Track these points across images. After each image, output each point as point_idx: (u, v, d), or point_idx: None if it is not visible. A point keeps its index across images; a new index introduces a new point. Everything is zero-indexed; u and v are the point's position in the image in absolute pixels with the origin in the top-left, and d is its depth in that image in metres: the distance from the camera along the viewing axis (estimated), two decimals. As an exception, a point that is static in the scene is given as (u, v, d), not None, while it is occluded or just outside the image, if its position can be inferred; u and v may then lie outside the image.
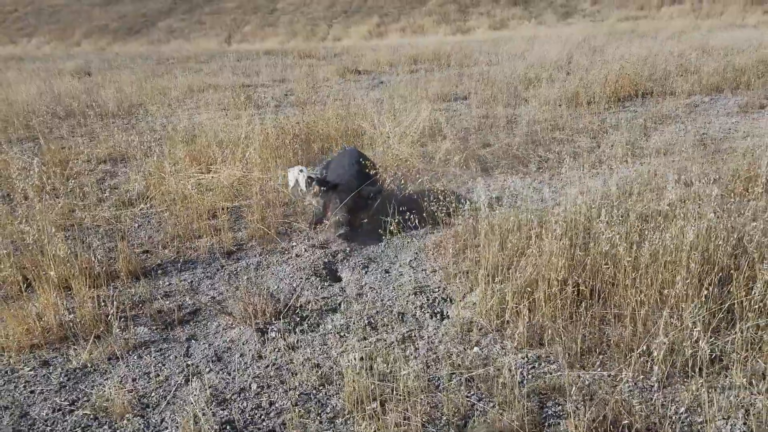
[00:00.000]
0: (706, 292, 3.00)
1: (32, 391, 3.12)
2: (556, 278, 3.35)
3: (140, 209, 5.79)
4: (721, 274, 3.26)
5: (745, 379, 2.71)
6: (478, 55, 16.56)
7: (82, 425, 2.85)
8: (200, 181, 6.34)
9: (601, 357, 3.10)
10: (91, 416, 2.90)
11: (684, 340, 2.89)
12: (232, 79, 14.17)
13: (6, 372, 3.29)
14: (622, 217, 3.71)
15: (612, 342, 3.14)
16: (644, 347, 2.88)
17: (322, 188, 5.03)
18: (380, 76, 14.35)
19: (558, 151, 6.92)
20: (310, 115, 8.11)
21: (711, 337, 3.00)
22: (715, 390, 2.77)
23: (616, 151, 6.56)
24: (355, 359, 2.95)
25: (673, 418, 2.65)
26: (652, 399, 2.77)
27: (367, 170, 5.20)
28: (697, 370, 2.85)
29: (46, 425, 2.87)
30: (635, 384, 2.88)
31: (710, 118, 8.30)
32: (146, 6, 44.64)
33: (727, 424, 2.59)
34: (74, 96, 11.85)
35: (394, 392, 2.85)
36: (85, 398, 3.04)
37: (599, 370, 2.99)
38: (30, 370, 3.29)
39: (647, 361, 2.94)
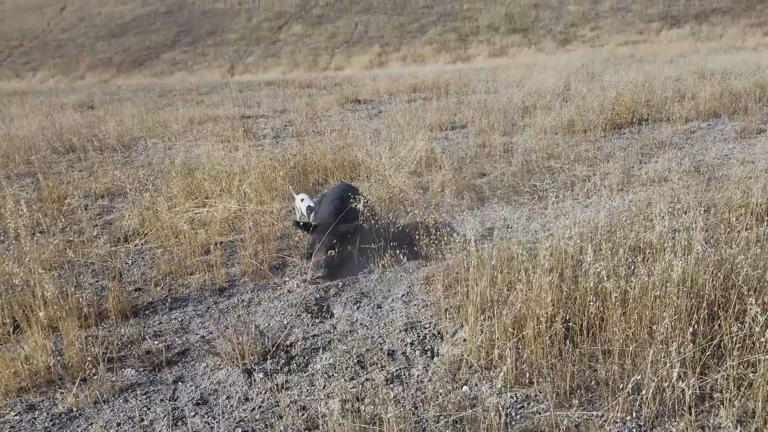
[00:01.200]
0: (693, 328, 2.96)
1: (16, 438, 3.09)
2: (545, 314, 3.32)
3: (134, 245, 5.80)
4: (709, 308, 3.23)
5: (733, 419, 2.66)
6: (477, 83, 16.67)
7: (64, 473, 2.81)
8: (196, 215, 6.36)
9: (590, 395, 3.05)
10: (74, 463, 2.86)
11: (672, 378, 2.85)
12: (233, 111, 14.29)
13: (-10, 417, 3.26)
14: (611, 250, 3.68)
15: (600, 380, 3.10)
16: (632, 385, 2.84)
17: (301, 230, 5.17)
18: (379, 105, 14.45)
19: (552, 180, 6.92)
20: (306, 147, 8.14)
21: (700, 374, 2.95)
22: (704, 430, 2.72)
23: (610, 180, 6.55)
24: (339, 403, 2.91)
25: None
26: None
27: (350, 205, 5.19)
28: (686, 408, 2.80)
29: (28, 473, 2.83)
30: (624, 424, 2.83)
31: (707, 144, 8.30)
32: (149, 39, 45.21)
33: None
34: (75, 130, 11.94)
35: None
36: (69, 444, 3.00)
37: (588, 409, 2.94)
38: (16, 415, 3.26)
39: (635, 400, 2.89)
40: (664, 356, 2.92)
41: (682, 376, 2.84)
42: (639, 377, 2.84)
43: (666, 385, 2.81)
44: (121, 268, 5.28)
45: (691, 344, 2.96)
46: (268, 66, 38.87)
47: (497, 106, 11.50)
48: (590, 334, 3.38)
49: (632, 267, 3.57)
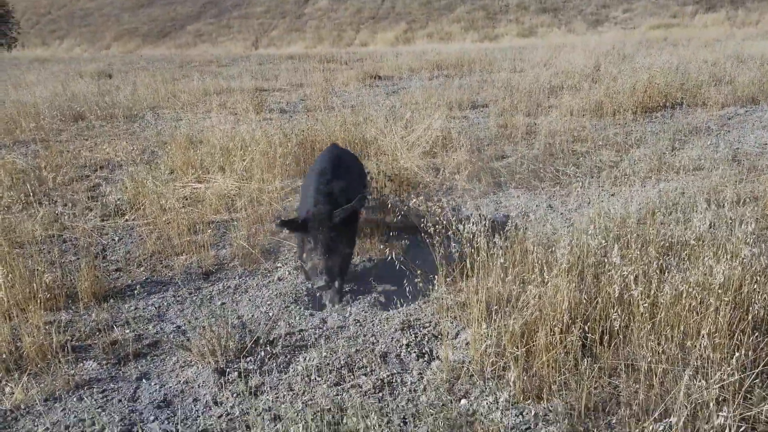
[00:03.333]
0: (736, 344, 2.50)
1: (-50, 438, 2.74)
2: (560, 320, 2.88)
3: (125, 221, 5.43)
4: (755, 323, 2.76)
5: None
6: (503, 62, 16.03)
7: (-6, 485, 2.45)
8: (193, 191, 5.98)
9: (609, 418, 2.61)
10: (8, 473, 2.50)
11: (710, 405, 2.40)
12: (250, 83, 13.87)
13: (-72, 412, 2.91)
14: (639, 250, 3.20)
15: (623, 401, 2.65)
16: (662, 410, 2.39)
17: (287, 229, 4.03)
18: (400, 82, 13.93)
19: (577, 165, 6.41)
20: (315, 122, 7.70)
21: (744, 401, 2.50)
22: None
23: (640, 167, 6.03)
24: (316, 414, 2.51)
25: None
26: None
27: (345, 175, 4.17)
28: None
29: (-46, 483, 2.48)
30: (647, 456, 2.39)
31: (745, 131, 7.71)
32: (175, 10, 44.88)
33: None
34: (87, 99, 11.62)
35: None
36: (8, 449, 2.64)
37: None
38: (-45, 411, 2.90)
39: (665, 428, 2.44)
40: (699, 378, 2.46)
41: (721, 402, 2.38)
42: (670, 401, 2.39)
43: (701, 413, 2.36)
44: (106, 246, 4.91)
45: (734, 365, 2.49)
46: (292, 40, 38.34)
47: (522, 86, 10.94)
48: (612, 346, 2.93)
49: (665, 270, 3.10)
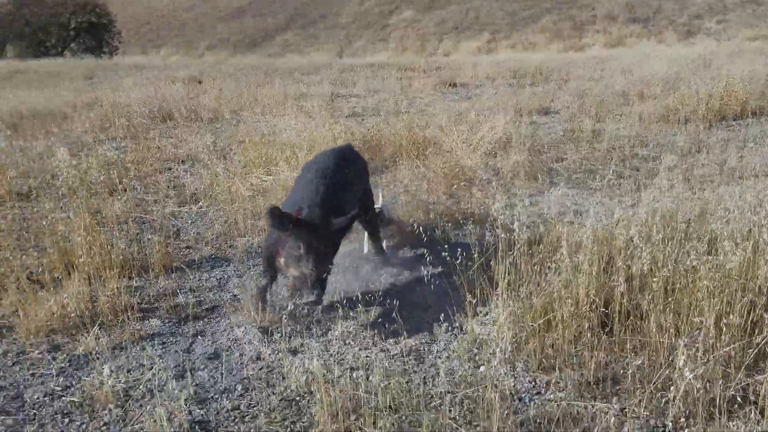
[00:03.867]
0: (741, 321, 2.59)
1: (33, 374, 3.16)
2: (579, 298, 3.03)
3: (198, 207, 5.89)
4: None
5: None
6: (583, 70, 15.92)
7: (65, 412, 2.84)
8: (261, 182, 6.39)
9: (616, 387, 2.75)
10: (77, 403, 2.89)
11: (711, 376, 2.51)
12: (328, 90, 14.38)
13: (17, 353, 3.36)
14: (668, 238, 3.29)
15: (630, 374, 2.78)
16: (661, 381, 2.52)
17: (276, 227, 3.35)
18: (475, 89, 14.11)
19: (636, 168, 6.44)
20: (386, 125, 8.01)
21: (746, 376, 2.59)
22: (740, 437, 2.38)
23: (701, 171, 6.01)
24: (344, 371, 2.78)
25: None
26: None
27: (349, 178, 3.87)
28: (724, 411, 2.46)
29: (33, 408, 2.88)
30: (647, 421, 2.52)
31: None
32: (265, 21, 46.54)
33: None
34: (176, 101, 12.39)
35: (378, 407, 2.65)
36: (78, 385, 3.04)
37: (611, 402, 2.65)
38: (38, 354, 3.34)
39: (664, 397, 2.57)
40: (700, 352, 2.57)
41: (719, 375, 2.49)
42: (668, 372, 2.52)
43: (698, 384, 2.48)
44: (180, 228, 5.37)
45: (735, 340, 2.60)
46: (376, 50, 39.05)
47: (596, 93, 10.91)
48: (628, 324, 3.05)
49: (687, 255, 3.19)
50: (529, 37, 39.68)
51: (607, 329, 3.08)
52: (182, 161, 7.87)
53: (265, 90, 14.21)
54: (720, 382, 2.51)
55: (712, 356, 2.53)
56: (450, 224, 4.92)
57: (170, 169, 7.48)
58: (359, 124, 8.99)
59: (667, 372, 2.53)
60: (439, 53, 37.32)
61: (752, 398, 2.57)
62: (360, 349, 3.22)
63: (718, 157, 6.42)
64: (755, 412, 2.47)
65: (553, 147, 7.51)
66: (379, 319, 3.55)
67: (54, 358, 3.29)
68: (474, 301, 3.59)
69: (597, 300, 3.06)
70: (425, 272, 3.78)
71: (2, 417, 2.82)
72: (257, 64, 30.28)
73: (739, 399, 2.52)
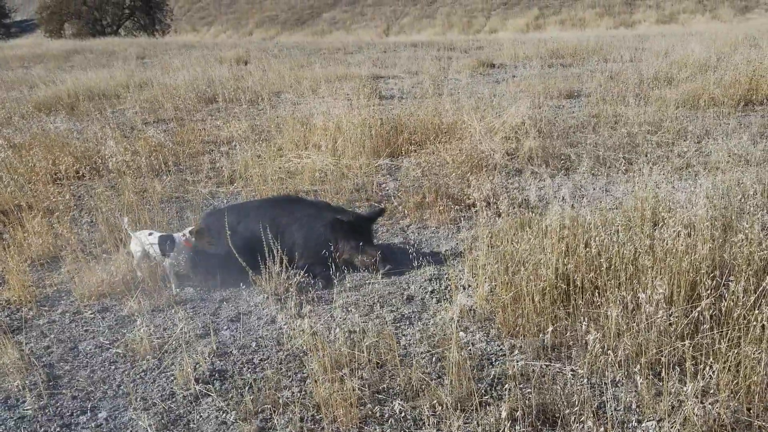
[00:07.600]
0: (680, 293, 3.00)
1: (86, 330, 3.79)
2: (547, 273, 3.47)
3: (234, 188, 6.47)
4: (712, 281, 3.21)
5: (693, 387, 2.71)
6: (623, 51, 15.93)
7: (111, 360, 3.45)
8: (297, 164, 6.93)
9: (570, 351, 3.21)
10: (121, 354, 3.49)
11: (651, 341, 2.94)
12: (368, 71, 14.81)
13: (73, 313, 3.99)
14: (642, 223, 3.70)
15: (585, 340, 3.22)
16: (605, 345, 2.96)
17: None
18: (513, 70, 14.35)
19: (647, 153, 6.74)
20: (405, 108, 8.43)
21: (685, 341, 3.00)
22: (664, 395, 2.79)
23: (710, 158, 6.29)
24: (343, 332, 3.31)
25: (609, 414, 2.73)
26: (601, 395, 2.87)
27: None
28: (664, 373, 2.87)
29: (86, 357, 3.50)
30: (587, 380, 2.97)
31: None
32: (313, -2, 46.91)
33: (658, 426, 2.64)
34: (222, 83, 13.03)
35: (366, 361, 3.17)
36: (123, 339, 3.64)
37: (564, 363, 3.10)
38: (90, 314, 3.97)
39: (608, 359, 3.00)
40: (639, 322, 3.00)
41: (654, 341, 2.92)
42: (599, 335, 2.92)
43: (633, 349, 2.91)
44: (216, 207, 5.95)
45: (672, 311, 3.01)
46: (422, 27, 39.19)
47: (631, 76, 11.06)
48: (591, 297, 3.48)
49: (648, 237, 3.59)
50: (579, 13, 39.15)
51: (567, 303, 3.51)
52: (224, 143, 8.48)
53: (306, 71, 14.75)
54: (653, 349, 2.94)
55: (644, 324, 2.95)
56: (457, 208, 5.37)
57: (212, 150, 8.09)
58: (391, 107, 9.43)
59: (595, 335, 2.95)
60: (485, 30, 37.22)
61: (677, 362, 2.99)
62: (359, 316, 3.74)
63: (722, 146, 6.64)
64: (679, 373, 2.88)
65: (571, 132, 7.82)
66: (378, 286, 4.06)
67: (103, 318, 3.91)
68: (462, 278, 4.09)
69: (558, 278, 3.50)
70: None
71: (62, 364, 3.45)
72: (303, 42, 30.88)
73: (667, 362, 2.92)
